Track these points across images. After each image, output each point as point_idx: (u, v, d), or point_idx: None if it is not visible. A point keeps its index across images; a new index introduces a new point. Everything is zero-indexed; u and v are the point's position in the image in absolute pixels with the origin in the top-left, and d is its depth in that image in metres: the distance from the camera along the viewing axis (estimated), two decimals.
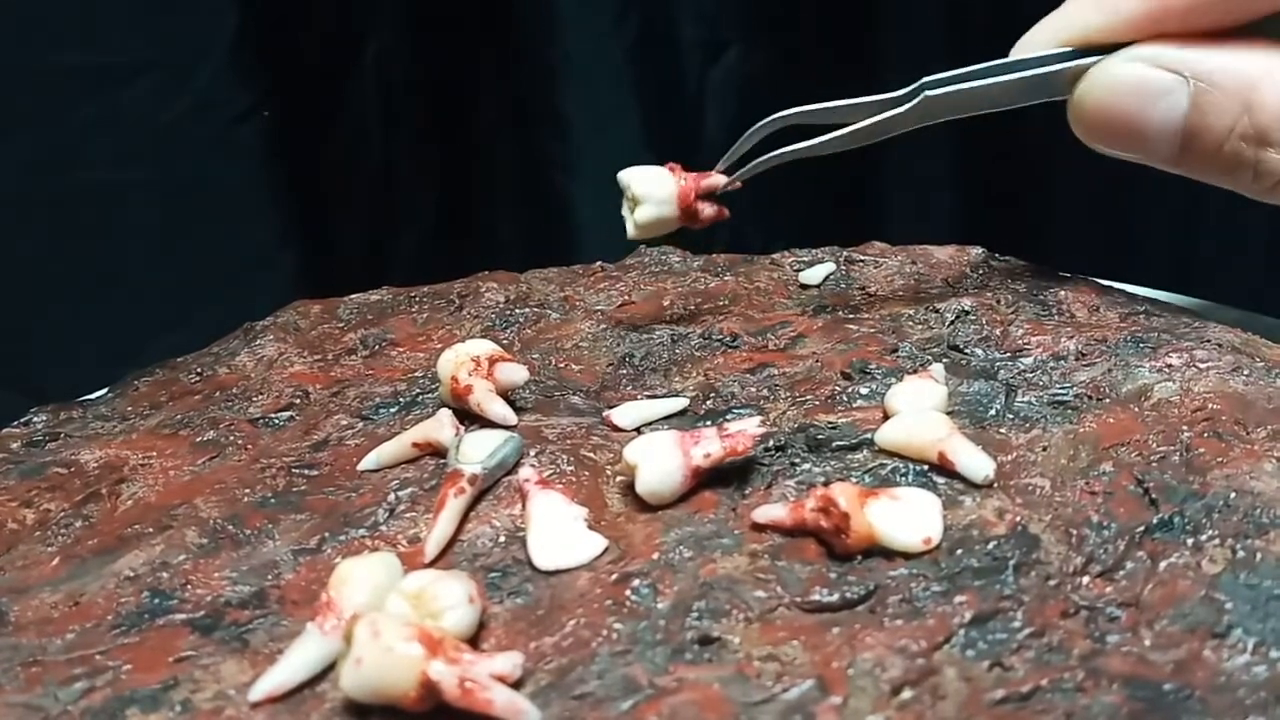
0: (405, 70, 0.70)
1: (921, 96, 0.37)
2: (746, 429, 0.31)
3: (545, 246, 0.71)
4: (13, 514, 0.34)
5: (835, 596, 0.27)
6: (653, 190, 0.40)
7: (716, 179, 0.40)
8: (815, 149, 0.38)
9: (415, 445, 0.34)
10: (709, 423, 0.34)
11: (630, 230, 0.40)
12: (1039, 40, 0.37)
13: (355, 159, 0.70)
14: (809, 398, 0.35)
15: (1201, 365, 0.33)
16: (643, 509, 0.31)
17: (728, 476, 0.31)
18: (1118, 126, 0.35)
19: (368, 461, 0.34)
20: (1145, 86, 0.35)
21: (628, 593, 0.28)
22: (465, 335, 0.42)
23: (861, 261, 0.44)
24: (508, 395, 0.35)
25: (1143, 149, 0.35)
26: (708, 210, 0.40)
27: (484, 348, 0.36)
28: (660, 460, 0.30)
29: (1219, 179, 0.35)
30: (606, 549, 0.29)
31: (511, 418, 0.35)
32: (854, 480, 0.30)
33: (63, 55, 0.60)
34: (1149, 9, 0.35)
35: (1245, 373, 0.33)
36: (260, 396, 0.39)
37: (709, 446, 0.31)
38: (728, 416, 0.34)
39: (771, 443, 0.32)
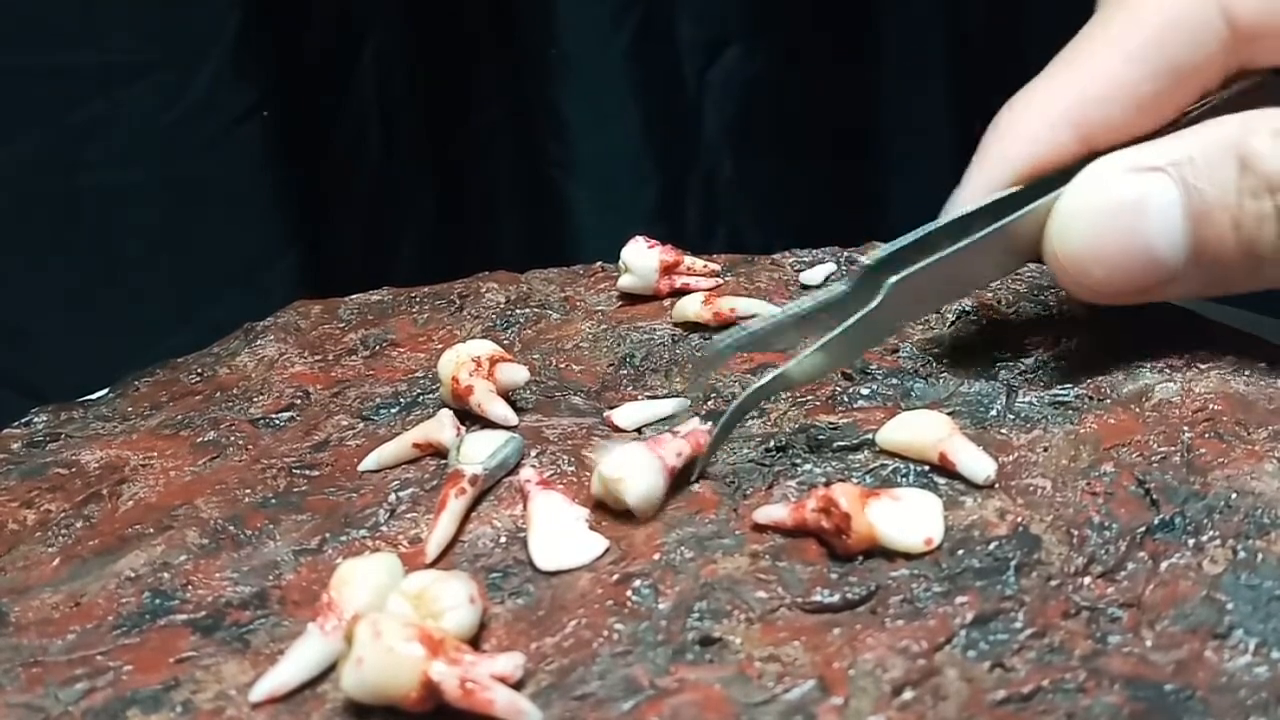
0: (405, 70, 0.70)
1: (888, 286, 0.32)
2: (695, 428, 0.32)
3: (545, 246, 0.71)
4: (13, 514, 0.34)
5: (836, 597, 0.27)
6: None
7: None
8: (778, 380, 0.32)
9: (416, 446, 0.34)
10: (666, 429, 0.33)
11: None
12: (970, 198, 0.33)
13: (355, 159, 0.70)
14: (810, 398, 0.35)
15: (1202, 365, 0.33)
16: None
17: (729, 477, 0.31)
18: (1117, 255, 0.31)
19: (368, 462, 0.34)
20: (1129, 196, 0.30)
21: (629, 593, 0.28)
22: (466, 336, 0.42)
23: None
24: (508, 396, 0.35)
25: (1153, 270, 0.31)
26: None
27: (485, 348, 0.36)
28: (644, 472, 0.30)
29: (1246, 264, 0.30)
30: (607, 550, 0.29)
31: (512, 418, 0.35)
32: (855, 481, 0.30)
33: (63, 55, 0.60)
34: (1078, 123, 0.32)
35: (1246, 373, 0.33)
36: (261, 397, 0.39)
37: (678, 446, 0.31)
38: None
39: (772, 443, 0.32)
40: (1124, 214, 0.31)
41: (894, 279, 0.32)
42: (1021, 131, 0.33)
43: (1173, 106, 0.32)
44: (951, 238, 0.32)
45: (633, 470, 0.30)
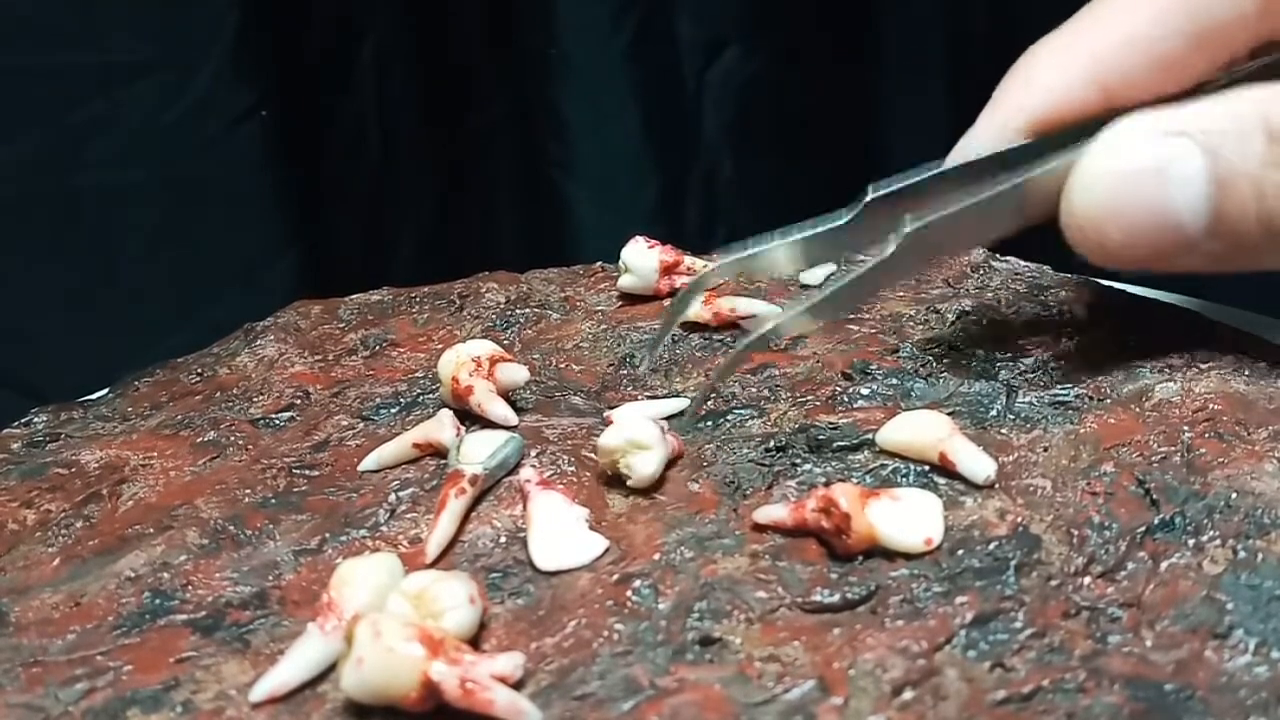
0: (405, 70, 0.70)
1: (905, 236, 0.31)
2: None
3: (545, 246, 0.71)
4: (13, 514, 0.34)
5: (836, 597, 0.27)
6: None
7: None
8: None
9: (416, 446, 0.34)
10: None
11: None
12: (980, 143, 0.33)
13: (355, 159, 0.70)
14: (810, 398, 0.35)
15: (1202, 365, 0.33)
16: (644, 510, 0.31)
17: (729, 477, 0.31)
18: (1137, 220, 0.30)
19: (368, 462, 0.34)
20: (1153, 160, 0.29)
21: (629, 593, 0.28)
22: (466, 336, 0.42)
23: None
24: (508, 396, 0.35)
25: (1173, 238, 0.30)
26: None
27: (485, 348, 0.36)
28: (656, 442, 0.32)
29: (1266, 237, 0.29)
30: (607, 549, 0.29)
31: (512, 418, 0.35)
32: (855, 481, 0.30)
33: (63, 55, 0.60)
34: (1100, 77, 0.31)
35: (1246, 373, 0.33)
36: (261, 397, 0.39)
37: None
38: (727, 417, 0.34)
39: (772, 443, 0.32)
40: (1147, 178, 0.30)
41: (911, 229, 0.31)
42: (1041, 80, 0.32)
43: (1197, 69, 0.31)
44: (963, 184, 0.32)
45: (647, 439, 0.31)
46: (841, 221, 0.33)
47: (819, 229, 0.33)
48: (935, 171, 0.33)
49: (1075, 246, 0.31)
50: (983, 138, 0.33)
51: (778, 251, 0.33)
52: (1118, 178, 0.30)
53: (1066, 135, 0.31)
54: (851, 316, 0.40)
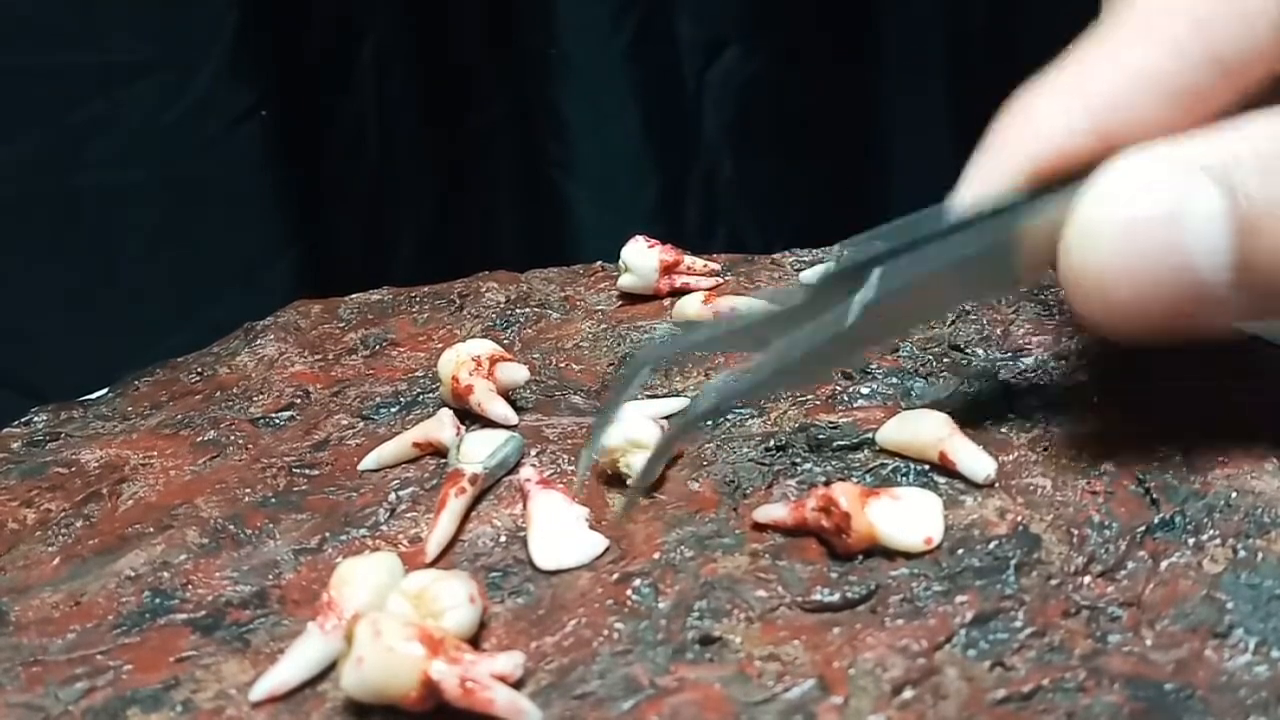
0: (405, 70, 0.70)
1: (858, 308, 0.27)
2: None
3: (545, 246, 0.71)
4: (13, 514, 0.34)
5: (836, 596, 0.27)
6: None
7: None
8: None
9: (416, 445, 0.34)
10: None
11: None
12: (971, 198, 0.28)
13: (355, 159, 0.70)
14: (810, 397, 0.35)
15: (1203, 364, 0.33)
16: (644, 509, 0.31)
17: (729, 476, 0.31)
18: (1149, 273, 0.25)
19: (368, 461, 0.34)
20: (1164, 202, 0.25)
21: (629, 592, 0.28)
22: (466, 335, 0.42)
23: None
24: (508, 395, 0.35)
25: (1193, 292, 0.25)
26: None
27: (484, 347, 0.36)
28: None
29: None
30: (607, 549, 0.29)
31: (512, 417, 0.35)
32: (855, 480, 0.30)
33: (63, 55, 0.60)
34: (1103, 120, 0.27)
35: (1248, 373, 0.33)
36: (261, 396, 0.39)
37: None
38: (727, 417, 0.34)
39: (772, 442, 0.32)
40: (1157, 223, 0.25)
41: (877, 292, 0.28)
42: (1034, 124, 0.28)
43: (1213, 105, 0.27)
44: (942, 242, 0.28)
45: (647, 438, 0.31)
46: (803, 296, 0.29)
47: (778, 308, 0.29)
48: (914, 236, 0.28)
49: (1076, 307, 0.27)
50: (977, 188, 0.28)
51: (737, 333, 0.30)
52: (1122, 224, 0.26)
53: (1063, 183, 0.27)
54: None
